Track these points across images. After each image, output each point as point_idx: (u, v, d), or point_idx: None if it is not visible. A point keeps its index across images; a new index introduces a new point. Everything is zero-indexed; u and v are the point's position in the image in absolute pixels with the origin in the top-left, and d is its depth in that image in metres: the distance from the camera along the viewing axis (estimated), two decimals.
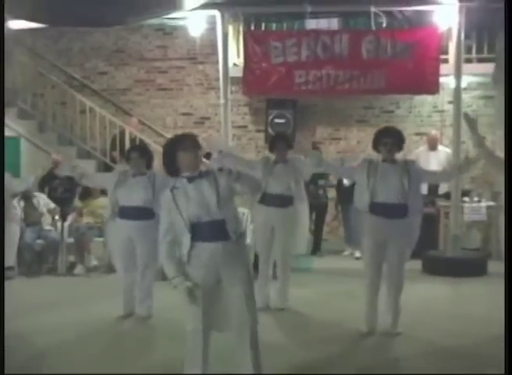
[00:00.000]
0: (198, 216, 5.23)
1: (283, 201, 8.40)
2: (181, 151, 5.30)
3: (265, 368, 5.35)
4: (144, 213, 7.94)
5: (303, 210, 8.81)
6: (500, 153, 13.19)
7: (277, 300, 8.52)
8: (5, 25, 11.55)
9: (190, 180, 5.31)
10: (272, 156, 8.66)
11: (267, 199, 8.41)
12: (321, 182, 12.79)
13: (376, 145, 7.43)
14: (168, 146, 5.48)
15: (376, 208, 7.30)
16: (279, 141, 8.67)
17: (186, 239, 5.26)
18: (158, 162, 13.83)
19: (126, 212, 7.99)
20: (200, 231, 5.25)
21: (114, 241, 8.31)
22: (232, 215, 5.37)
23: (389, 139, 7.31)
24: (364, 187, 7.35)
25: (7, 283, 8.20)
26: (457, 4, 10.64)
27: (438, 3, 10.71)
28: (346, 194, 12.28)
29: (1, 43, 9.36)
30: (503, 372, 4.76)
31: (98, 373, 5.65)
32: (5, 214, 8.31)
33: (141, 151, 8.48)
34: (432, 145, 13.32)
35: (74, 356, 6.82)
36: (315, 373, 6.28)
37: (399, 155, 7.58)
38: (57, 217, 11.82)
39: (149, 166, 8.28)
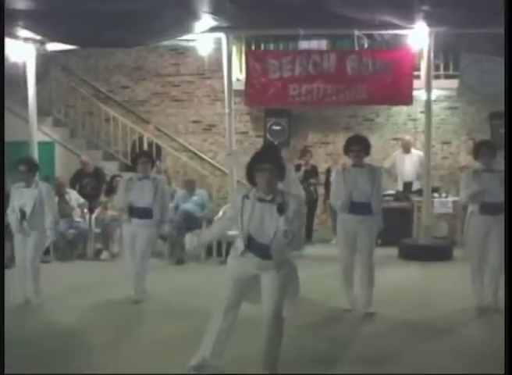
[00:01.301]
0: (253, 234, 5.02)
1: None
2: (259, 172, 4.99)
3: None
4: (146, 212, 7.98)
5: None
6: (464, 155, 13.41)
7: None
8: (44, 47, 11.68)
9: (261, 200, 5.00)
10: None
11: None
12: (312, 181, 12.85)
13: (346, 152, 7.51)
14: (249, 163, 5.10)
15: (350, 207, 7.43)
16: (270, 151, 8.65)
17: (239, 241, 5.13)
18: (170, 165, 14.07)
19: (133, 212, 8.02)
20: (252, 244, 5.03)
21: (124, 235, 8.34)
22: (280, 247, 5.00)
23: (356, 147, 7.38)
24: (342, 190, 7.47)
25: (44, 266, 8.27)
26: (427, 29, 10.69)
27: (411, 28, 10.72)
28: None
29: (2, 44, 9.34)
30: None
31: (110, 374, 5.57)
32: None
33: (148, 156, 8.52)
34: (406, 149, 13.32)
35: (101, 329, 6.91)
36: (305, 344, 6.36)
37: (372, 159, 7.71)
38: (86, 210, 11.90)
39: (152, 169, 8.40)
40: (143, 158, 8.20)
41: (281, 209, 4.90)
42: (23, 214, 7.86)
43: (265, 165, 4.99)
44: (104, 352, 6.10)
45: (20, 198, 7.92)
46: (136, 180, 8.07)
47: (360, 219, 7.36)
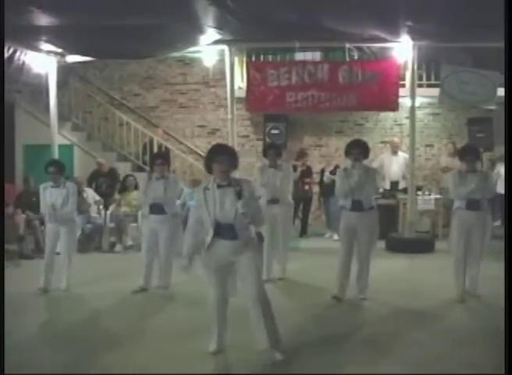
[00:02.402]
0: (220, 217, 5.17)
1: (274, 200, 8.44)
2: (216, 163, 5.17)
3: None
4: (161, 209, 8.02)
5: (289, 206, 8.91)
6: (445, 157, 13.46)
7: (279, 272, 8.63)
8: (64, 59, 11.73)
9: (220, 186, 5.18)
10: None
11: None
12: (307, 180, 12.88)
13: (347, 154, 7.54)
14: (208, 154, 5.31)
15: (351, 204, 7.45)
16: (271, 150, 8.65)
17: (210, 232, 5.21)
18: (178, 165, 14.10)
19: (152, 208, 8.06)
20: (219, 229, 5.19)
21: (143, 229, 8.35)
22: (244, 223, 5.19)
23: (355, 150, 7.40)
24: (346, 189, 7.49)
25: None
26: (411, 43, 10.71)
27: (397, 41, 10.75)
28: (326, 189, 12.41)
29: (1, 43, 9.36)
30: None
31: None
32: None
33: (164, 158, 8.56)
34: (394, 150, 13.37)
35: (114, 317, 6.95)
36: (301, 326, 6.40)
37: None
38: (101, 207, 11.95)
39: (168, 169, 8.40)
40: (158, 160, 8.23)
41: (239, 194, 5.09)
42: (54, 210, 7.99)
43: (222, 157, 5.19)
44: (119, 335, 6.15)
45: (50, 196, 8.05)
46: (154, 180, 8.10)
47: (358, 214, 7.39)
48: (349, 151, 7.49)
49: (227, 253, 5.22)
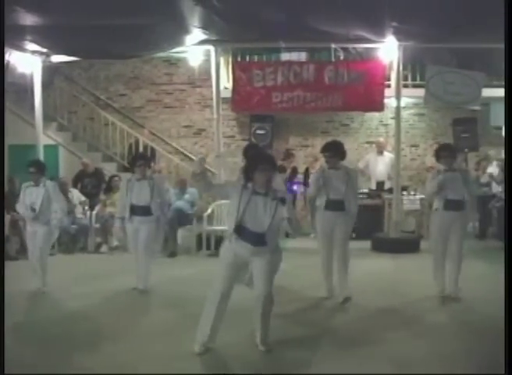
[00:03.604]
0: (247, 223, 5.17)
1: None
2: (258, 171, 5.15)
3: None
4: (146, 210, 7.99)
5: None
6: (430, 157, 13.52)
7: None
8: (49, 59, 11.69)
9: (257, 193, 5.17)
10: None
11: None
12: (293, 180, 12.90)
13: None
14: (249, 162, 5.34)
15: (325, 204, 7.48)
16: (252, 150, 8.54)
17: (231, 232, 5.24)
18: (164, 166, 14.05)
19: (134, 210, 8.01)
20: (245, 233, 5.18)
21: (128, 230, 8.24)
22: (275, 232, 5.26)
23: (327, 153, 7.43)
24: (314, 189, 7.54)
25: (49, 259, 8.33)
26: (397, 43, 10.78)
27: (382, 42, 10.82)
28: None
29: (2, 44, 9.33)
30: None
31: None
32: None
33: (145, 159, 8.53)
34: (380, 150, 13.39)
35: (99, 317, 6.89)
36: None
37: (347, 160, 7.73)
38: (87, 208, 11.89)
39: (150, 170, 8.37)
40: (140, 161, 8.20)
41: (283, 201, 5.13)
42: (33, 210, 7.97)
43: (266, 165, 5.18)
44: (104, 335, 6.13)
45: (30, 196, 8.03)
46: (135, 180, 8.07)
47: (336, 214, 7.41)
48: (323, 153, 7.55)
49: (248, 255, 5.27)
